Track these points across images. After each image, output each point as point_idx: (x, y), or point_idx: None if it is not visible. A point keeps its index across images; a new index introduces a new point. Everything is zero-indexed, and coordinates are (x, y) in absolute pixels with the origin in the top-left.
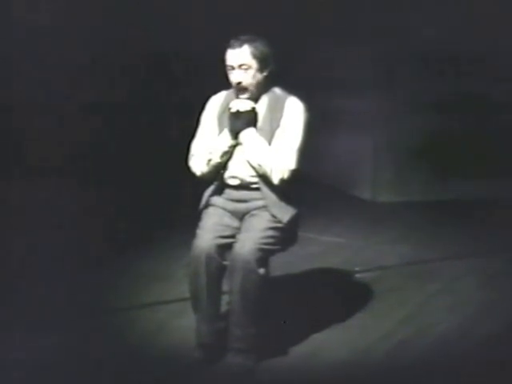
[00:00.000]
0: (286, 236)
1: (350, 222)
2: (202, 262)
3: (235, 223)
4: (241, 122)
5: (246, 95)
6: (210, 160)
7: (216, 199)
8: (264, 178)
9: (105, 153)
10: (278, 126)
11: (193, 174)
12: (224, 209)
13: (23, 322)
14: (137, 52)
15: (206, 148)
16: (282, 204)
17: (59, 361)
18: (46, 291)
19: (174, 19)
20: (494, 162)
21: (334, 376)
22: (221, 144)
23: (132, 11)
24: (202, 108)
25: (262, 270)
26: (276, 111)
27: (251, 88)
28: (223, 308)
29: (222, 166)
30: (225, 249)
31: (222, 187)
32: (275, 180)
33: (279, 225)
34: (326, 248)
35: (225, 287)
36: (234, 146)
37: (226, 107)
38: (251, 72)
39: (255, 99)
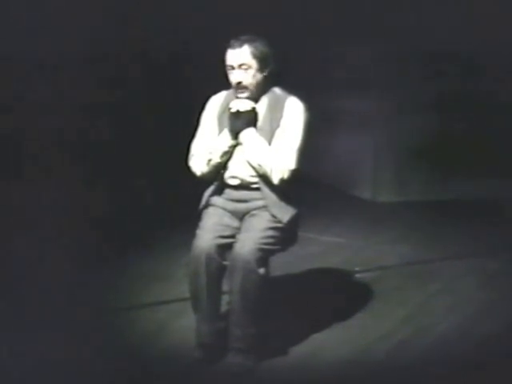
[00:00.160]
0: (285, 236)
1: (350, 222)
2: (202, 262)
3: (235, 223)
4: (241, 121)
5: (245, 95)
6: (210, 160)
7: (216, 199)
8: (264, 177)
9: (105, 153)
10: (278, 125)
11: (193, 174)
12: (224, 209)
13: (23, 322)
14: (137, 52)
15: (206, 148)
16: (282, 204)
17: (59, 361)
18: (46, 291)
19: (174, 19)
20: (494, 162)
21: (334, 376)
22: (221, 144)
23: (132, 11)
24: (202, 108)
25: (262, 270)
26: (276, 111)
27: (251, 88)
28: (223, 308)
29: (222, 166)
30: (225, 249)
31: (221, 187)
32: (275, 180)
33: (279, 225)
34: (326, 248)
35: (225, 287)
36: (234, 146)
37: (226, 107)
38: (251, 72)
39: (255, 99)
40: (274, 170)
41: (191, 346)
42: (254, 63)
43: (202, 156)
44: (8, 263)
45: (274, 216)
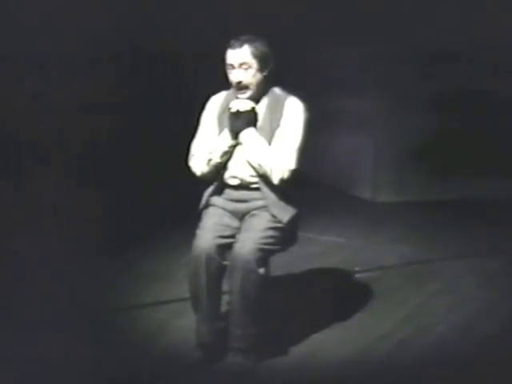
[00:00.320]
0: (285, 236)
1: (350, 222)
2: (202, 261)
3: (235, 223)
4: (241, 121)
5: (245, 95)
6: (210, 160)
7: (216, 199)
8: (264, 177)
9: (105, 153)
10: (277, 125)
11: (193, 174)
12: (224, 209)
13: (23, 322)
14: (137, 52)
15: (206, 148)
16: (282, 204)
17: (59, 361)
18: (45, 291)
19: (174, 19)
20: (494, 162)
21: (334, 376)
22: (221, 144)
23: (132, 11)
24: (202, 108)
25: (262, 270)
26: (276, 111)
27: (251, 87)
28: (223, 308)
29: (222, 166)
30: (225, 249)
31: (221, 187)
32: (275, 180)
33: (279, 225)
34: (326, 248)
35: (225, 287)
36: (234, 146)
37: (225, 107)
38: (251, 71)
39: (255, 99)
40: (273, 169)
41: (191, 346)
42: (254, 63)
43: (202, 156)
44: (8, 263)
45: (273, 216)
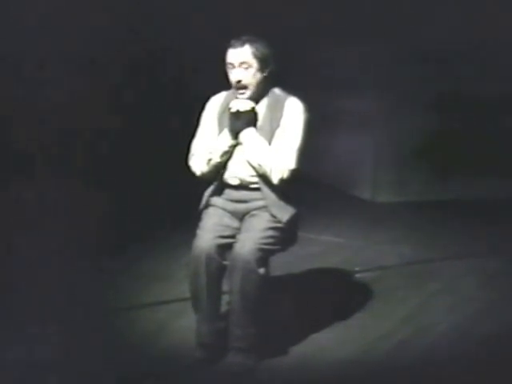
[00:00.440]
0: (285, 236)
1: (350, 222)
2: (202, 262)
3: (235, 223)
4: (241, 122)
5: (245, 94)
6: (210, 160)
7: (216, 199)
8: (264, 177)
9: (105, 153)
10: (277, 125)
11: (193, 174)
12: (224, 209)
13: (23, 322)
14: (137, 52)
15: (206, 148)
16: (282, 204)
17: (59, 361)
18: (45, 291)
19: (174, 19)
20: (494, 162)
21: (334, 376)
22: (221, 144)
23: (132, 11)
24: (202, 108)
25: (262, 270)
26: (276, 111)
27: (251, 87)
28: (223, 308)
29: (222, 166)
30: (225, 249)
31: (221, 187)
32: (275, 180)
33: (279, 225)
34: (326, 248)
35: (225, 287)
36: (233, 146)
37: (225, 107)
38: (251, 71)
39: (255, 99)
40: (273, 169)
41: (191, 346)
42: (254, 62)
43: (202, 156)
44: (8, 263)
45: (273, 216)
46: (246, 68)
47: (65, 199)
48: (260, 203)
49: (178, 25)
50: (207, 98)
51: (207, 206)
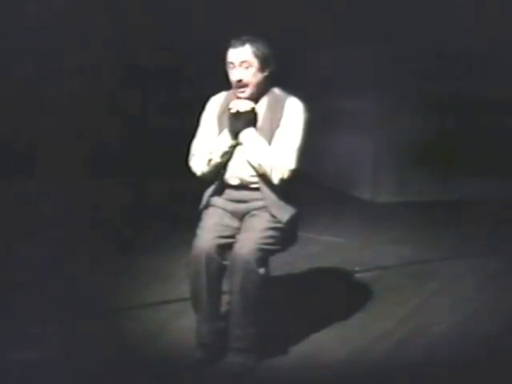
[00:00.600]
0: (285, 236)
1: (350, 222)
2: (202, 261)
3: (235, 223)
4: (241, 122)
5: (245, 93)
6: (210, 160)
7: (216, 199)
8: (264, 177)
9: (104, 153)
10: (277, 126)
11: (193, 174)
12: (224, 209)
13: (23, 322)
14: (137, 52)
15: (206, 148)
16: (282, 204)
17: (59, 361)
18: (46, 291)
19: (174, 19)
20: (493, 162)
21: (333, 375)
22: (221, 144)
23: (132, 11)
24: (202, 108)
25: (261, 270)
26: (276, 111)
27: (251, 86)
28: (223, 308)
29: (222, 166)
30: (225, 249)
31: (222, 187)
32: (275, 180)
33: (279, 225)
34: (326, 248)
35: (225, 287)
36: (234, 146)
37: (225, 108)
38: (252, 70)
39: (255, 99)
40: (273, 169)
41: (191, 346)
42: (255, 62)
43: (202, 156)
44: (8, 263)
45: (273, 216)
46: (247, 67)
47: (65, 199)
48: (260, 203)
49: (177, 25)
50: (207, 99)
51: (207, 205)
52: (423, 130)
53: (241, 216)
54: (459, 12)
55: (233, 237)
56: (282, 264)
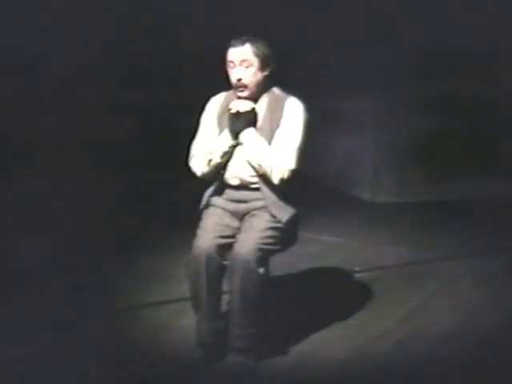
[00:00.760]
0: (285, 236)
1: (350, 223)
2: (203, 261)
3: (235, 223)
4: (241, 122)
5: (245, 92)
6: (210, 160)
7: (216, 199)
8: (264, 177)
9: (104, 153)
10: (277, 126)
11: (193, 174)
12: (224, 209)
13: (23, 322)
14: (137, 52)
15: (206, 148)
16: (282, 204)
17: (59, 361)
18: (46, 291)
19: (174, 19)
20: (493, 162)
21: (333, 375)
22: (221, 144)
23: (132, 11)
24: (202, 108)
25: (261, 270)
26: (276, 111)
27: (251, 86)
28: (223, 308)
29: (222, 166)
30: (225, 249)
31: (222, 187)
32: (275, 180)
33: (279, 225)
34: (326, 248)
35: (225, 287)
36: (234, 147)
37: (225, 108)
38: (252, 69)
39: (255, 99)
40: (273, 169)
41: (192, 346)
42: (255, 61)
43: (202, 156)
44: (8, 263)
45: (273, 216)
46: (247, 67)
47: (65, 199)
48: (260, 203)
49: (178, 25)
50: (207, 99)
51: (207, 205)
52: (423, 130)
53: (241, 216)
54: (459, 12)
55: (233, 237)
56: (282, 264)
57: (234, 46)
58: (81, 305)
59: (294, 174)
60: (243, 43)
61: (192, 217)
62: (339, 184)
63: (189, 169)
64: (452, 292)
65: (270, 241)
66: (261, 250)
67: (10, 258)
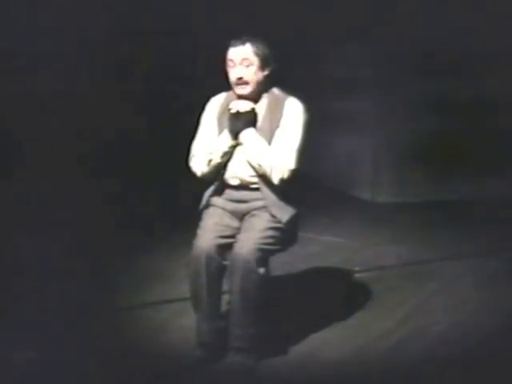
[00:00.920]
0: (285, 236)
1: (350, 223)
2: (203, 261)
3: (235, 223)
4: (241, 122)
5: (245, 90)
6: (210, 160)
7: (216, 199)
8: (264, 177)
9: (105, 153)
10: (277, 126)
11: (193, 174)
12: (224, 209)
13: (23, 322)
14: (137, 52)
15: (206, 148)
16: (282, 204)
17: (59, 361)
18: (46, 291)
19: (174, 19)
20: (494, 162)
21: (333, 375)
22: (221, 144)
23: (132, 11)
24: (202, 108)
25: (261, 270)
26: (276, 111)
27: (251, 84)
28: (223, 307)
29: (222, 167)
30: (225, 249)
31: (222, 187)
32: (275, 180)
33: (279, 225)
34: (326, 248)
35: (225, 287)
36: (234, 147)
37: (225, 108)
38: (253, 69)
39: (255, 98)
40: (273, 169)
41: (192, 345)
42: (255, 60)
43: (202, 156)
44: (8, 263)
45: (273, 216)
46: (247, 66)
47: (65, 199)
48: (260, 203)
49: (178, 25)
50: (207, 99)
51: (207, 205)
52: (423, 130)
53: (241, 216)
54: (459, 12)
55: (233, 237)
56: (282, 264)
57: (235, 45)
58: (81, 305)
59: (294, 174)
60: (243, 43)
61: (192, 217)
62: (339, 184)
63: (189, 169)
64: (452, 292)
65: (270, 241)
66: (261, 250)
67: (10, 258)
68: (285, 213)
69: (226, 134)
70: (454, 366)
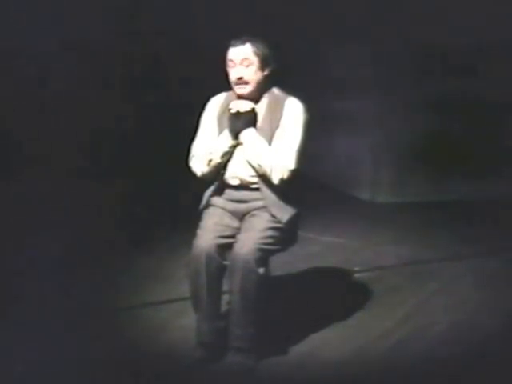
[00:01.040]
0: (285, 236)
1: (350, 223)
2: (203, 261)
3: (235, 223)
4: (241, 122)
5: (245, 89)
6: (210, 160)
7: (216, 199)
8: (264, 177)
9: (104, 153)
10: (277, 126)
11: (193, 174)
12: (224, 209)
13: (23, 322)
14: (137, 52)
15: (206, 148)
16: (282, 204)
17: (59, 361)
18: (46, 291)
19: (174, 19)
20: (494, 162)
21: (333, 375)
22: (221, 144)
23: (132, 10)
24: (202, 108)
25: (261, 270)
26: (276, 111)
27: (252, 84)
28: (223, 307)
29: (222, 167)
30: (225, 249)
31: (222, 187)
32: (275, 180)
33: (279, 225)
34: (326, 248)
35: (225, 287)
36: (234, 147)
37: (225, 108)
38: (253, 68)
39: (255, 98)
40: (273, 169)
41: (192, 345)
42: (255, 60)
43: (202, 156)
44: (8, 262)
45: (273, 216)
46: (247, 65)
47: (65, 199)
48: (260, 203)
49: (178, 25)
50: (207, 99)
51: (207, 205)
52: (423, 130)
53: (241, 216)
54: (459, 12)
55: (233, 237)
56: (282, 264)
57: (235, 45)
58: (81, 305)
59: (294, 174)
60: (244, 43)
61: (192, 217)
62: (339, 184)
63: (189, 169)
64: (452, 292)
65: (270, 241)
66: (261, 250)
67: (10, 258)
68: (285, 213)
69: (226, 133)
70: (454, 366)
